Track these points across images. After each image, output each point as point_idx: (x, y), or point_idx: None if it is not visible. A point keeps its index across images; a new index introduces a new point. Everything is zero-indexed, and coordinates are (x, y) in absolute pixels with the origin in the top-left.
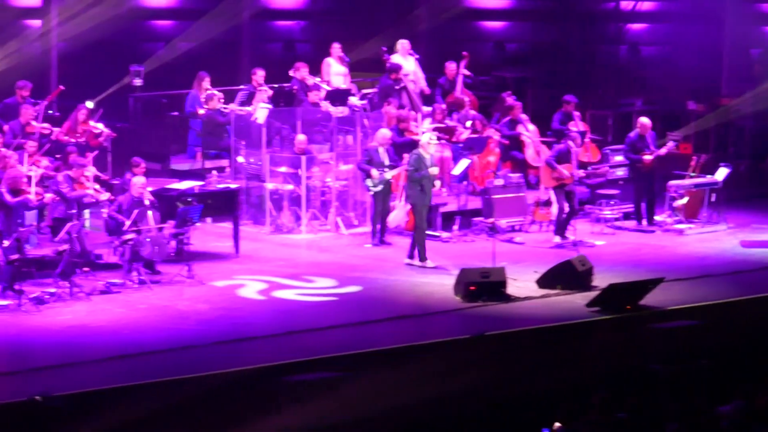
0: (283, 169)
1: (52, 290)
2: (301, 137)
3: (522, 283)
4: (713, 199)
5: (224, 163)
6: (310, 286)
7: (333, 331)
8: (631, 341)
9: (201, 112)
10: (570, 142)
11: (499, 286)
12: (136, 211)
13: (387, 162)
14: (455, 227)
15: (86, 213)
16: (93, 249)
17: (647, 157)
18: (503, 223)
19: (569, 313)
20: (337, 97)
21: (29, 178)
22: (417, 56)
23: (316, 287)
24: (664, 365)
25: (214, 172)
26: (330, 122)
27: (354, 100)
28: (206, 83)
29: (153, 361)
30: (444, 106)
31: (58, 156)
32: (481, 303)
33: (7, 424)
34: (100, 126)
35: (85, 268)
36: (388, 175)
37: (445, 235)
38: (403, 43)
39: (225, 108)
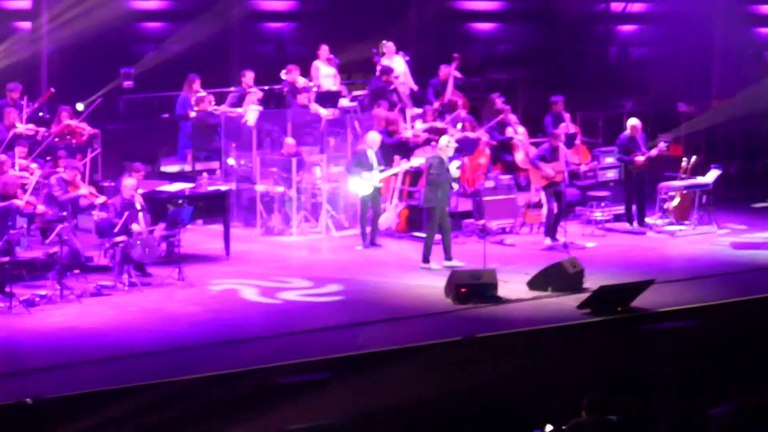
0: (273, 170)
1: (43, 292)
2: (290, 141)
3: (513, 285)
4: (704, 200)
5: (215, 165)
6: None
7: (324, 333)
8: (622, 343)
9: (192, 114)
10: (558, 144)
11: (489, 288)
12: (126, 213)
13: (376, 165)
14: None
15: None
16: (83, 251)
17: (638, 159)
18: (494, 224)
19: (560, 315)
20: (327, 99)
21: (24, 185)
22: (407, 58)
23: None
24: (654, 367)
25: (205, 174)
26: (320, 124)
27: (344, 102)
28: (196, 85)
29: (144, 363)
30: (436, 106)
31: (48, 158)
32: (471, 305)
33: None
34: (84, 125)
35: (76, 271)
36: (378, 177)
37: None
38: (388, 45)
39: (215, 110)
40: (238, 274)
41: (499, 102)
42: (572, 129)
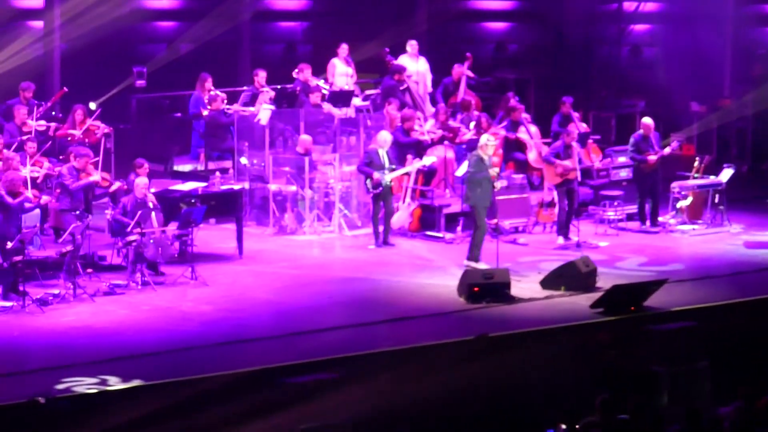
0: (286, 170)
1: (56, 291)
2: (305, 137)
3: (526, 285)
4: (717, 200)
5: (227, 164)
6: None
7: (335, 333)
8: (634, 342)
9: (205, 113)
10: (571, 142)
11: (502, 287)
12: (139, 213)
13: (388, 164)
14: (459, 228)
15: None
16: (96, 250)
17: (651, 158)
18: (507, 224)
19: (573, 315)
20: (340, 98)
21: (25, 180)
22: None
23: None
24: (666, 366)
25: (218, 174)
26: (332, 123)
27: (357, 101)
28: (209, 84)
29: (156, 362)
30: (443, 105)
31: (61, 157)
32: (484, 304)
33: (9, 425)
34: (98, 123)
35: (89, 270)
36: (389, 177)
37: (448, 236)
38: (412, 44)
39: (228, 109)
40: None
41: (513, 101)
42: (582, 128)
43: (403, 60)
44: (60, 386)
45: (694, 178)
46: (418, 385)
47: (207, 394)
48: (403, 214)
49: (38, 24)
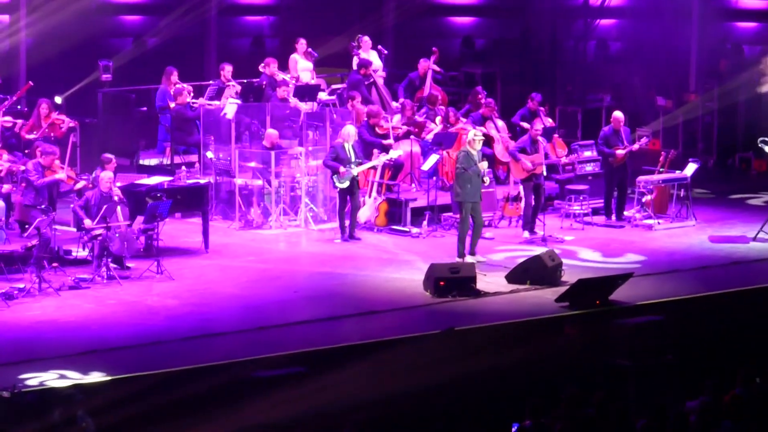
0: (252, 164)
1: (21, 285)
2: (272, 131)
3: (491, 278)
4: (682, 194)
5: (193, 158)
6: None
7: (302, 327)
8: (600, 336)
9: (172, 105)
10: (537, 137)
11: (468, 281)
12: (105, 207)
13: (354, 158)
14: (425, 223)
15: None
16: (62, 245)
17: (620, 152)
18: None
19: (538, 309)
20: (306, 92)
21: None
22: (385, 52)
23: None
24: (631, 361)
25: (184, 168)
26: (299, 118)
27: (323, 96)
28: (174, 78)
29: (122, 357)
30: (409, 101)
31: (27, 151)
32: (450, 298)
33: None
34: (63, 117)
35: (55, 264)
36: (355, 171)
37: (414, 230)
38: (365, 39)
39: (194, 103)
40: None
41: (483, 98)
42: (548, 123)
43: (361, 55)
44: (25, 380)
45: (659, 172)
46: (385, 379)
47: (173, 388)
48: (369, 208)
49: (4, 18)
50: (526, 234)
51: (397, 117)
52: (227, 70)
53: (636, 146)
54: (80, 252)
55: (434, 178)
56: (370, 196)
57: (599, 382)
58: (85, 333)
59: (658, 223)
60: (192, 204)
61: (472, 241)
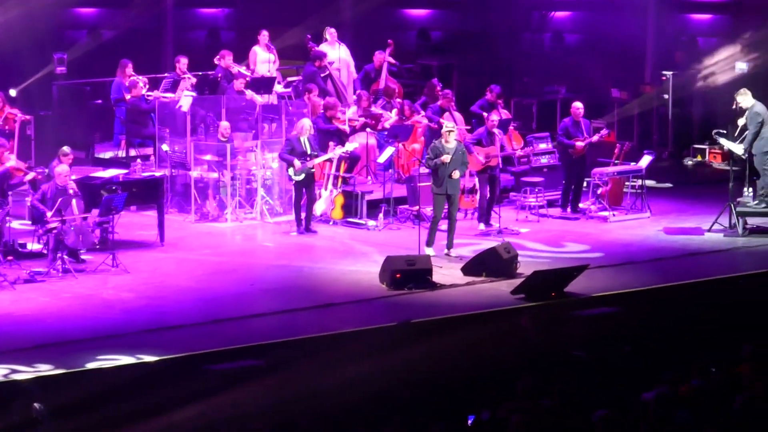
0: (207, 157)
1: None
2: (224, 124)
3: (447, 271)
4: (637, 186)
5: (149, 151)
6: None
7: (259, 320)
8: (555, 328)
9: (128, 97)
10: (494, 129)
11: (424, 273)
12: (60, 200)
13: (309, 151)
14: (381, 215)
15: None
16: (16, 238)
17: (579, 144)
18: (428, 210)
19: (494, 301)
20: (262, 85)
21: None
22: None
23: None
24: (588, 352)
25: (139, 161)
26: (254, 110)
27: (278, 88)
28: (129, 69)
29: (77, 350)
30: (365, 92)
31: None
32: (406, 291)
33: None
34: (16, 111)
35: (10, 257)
36: (311, 164)
37: (371, 223)
38: (331, 32)
39: (149, 95)
40: (173, 260)
41: (439, 88)
42: (504, 115)
43: (323, 48)
44: None
45: (615, 164)
46: (342, 371)
47: (129, 381)
48: (325, 201)
49: None
50: (482, 226)
51: (353, 109)
52: (182, 62)
53: (596, 137)
54: (34, 245)
55: (390, 170)
56: (326, 189)
57: (556, 374)
58: (40, 326)
59: (613, 215)
60: (147, 197)
61: (448, 235)
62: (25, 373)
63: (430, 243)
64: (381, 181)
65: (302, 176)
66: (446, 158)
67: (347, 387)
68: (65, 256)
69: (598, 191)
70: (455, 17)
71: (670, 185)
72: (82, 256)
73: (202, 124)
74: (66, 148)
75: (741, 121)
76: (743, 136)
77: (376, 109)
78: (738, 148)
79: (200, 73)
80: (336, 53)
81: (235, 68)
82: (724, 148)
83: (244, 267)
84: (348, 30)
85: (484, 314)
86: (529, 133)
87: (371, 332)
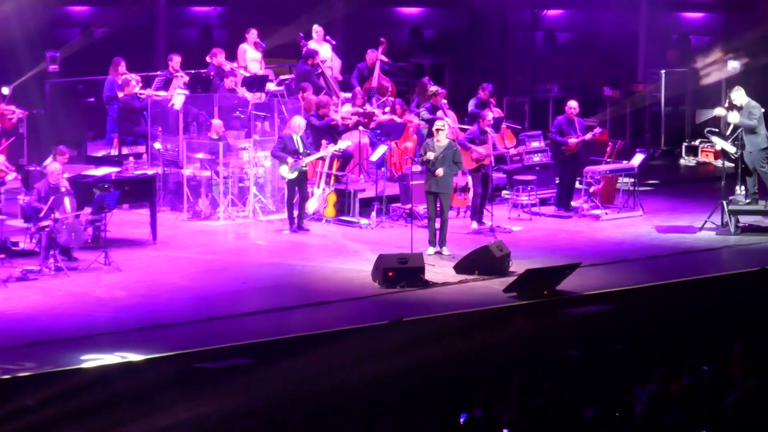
0: (200, 155)
1: None
2: (217, 122)
3: (440, 269)
4: (629, 184)
5: (141, 149)
6: None
7: (250, 318)
8: (548, 326)
9: (120, 95)
10: (486, 127)
11: (417, 271)
12: (52, 198)
13: (302, 149)
14: (373, 213)
15: None
16: (9, 236)
17: (572, 141)
18: (421, 209)
19: (487, 299)
20: (254, 83)
21: None
22: (333, 42)
23: None
24: (580, 350)
25: (131, 159)
26: (247, 108)
27: (271, 86)
28: (122, 68)
29: (69, 348)
30: (360, 90)
31: None
32: (399, 289)
33: None
34: (13, 108)
35: (1, 255)
36: (303, 162)
37: (363, 221)
38: (317, 29)
39: (141, 94)
40: (165, 258)
41: (430, 85)
42: (496, 113)
43: (311, 45)
44: None
45: (607, 162)
46: (334, 369)
47: (121, 379)
48: (318, 199)
49: None
50: (475, 224)
51: (347, 106)
52: (175, 60)
53: (589, 136)
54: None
55: (383, 168)
56: (318, 187)
57: (548, 372)
58: (33, 324)
59: (606, 213)
60: (140, 195)
61: (440, 234)
62: (16, 371)
63: (430, 242)
64: (373, 179)
65: (295, 174)
66: (430, 155)
67: (339, 385)
68: (58, 255)
69: (591, 189)
70: (447, 15)
71: (656, 182)
72: (75, 255)
73: (194, 123)
74: (63, 147)
75: (732, 119)
76: (735, 134)
77: (368, 108)
78: (730, 147)
79: (193, 72)
80: (323, 51)
81: (228, 66)
82: (716, 146)
83: (236, 265)
84: (340, 28)
85: (476, 312)
86: (521, 131)
87: (364, 330)
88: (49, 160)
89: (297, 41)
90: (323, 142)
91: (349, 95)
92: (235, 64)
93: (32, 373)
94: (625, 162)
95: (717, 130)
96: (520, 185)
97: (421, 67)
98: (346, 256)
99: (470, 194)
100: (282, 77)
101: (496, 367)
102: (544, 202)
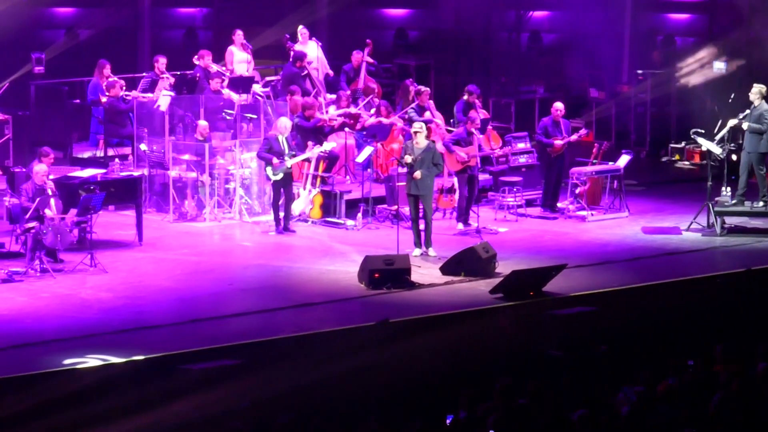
0: (186, 156)
1: None
2: (203, 123)
3: (426, 270)
4: (615, 186)
5: (127, 150)
6: None
7: (236, 319)
8: (533, 327)
9: (103, 99)
10: (472, 129)
11: (403, 273)
12: (38, 199)
13: (287, 150)
14: (359, 215)
15: None
16: None
17: (558, 142)
18: (407, 210)
19: (473, 300)
20: (240, 84)
21: None
22: (320, 43)
23: None
24: (565, 351)
25: (117, 160)
26: (233, 110)
27: (257, 88)
28: (107, 71)
29: (55, 350)
30: (349, 92)
31: None
32: (385, 290)
33: None
34: None
35: None
36: (289, 163)
37: (349, 223)
38: (302, 31)
39: (127, 95)
40: (151, 260)
41: (413, 87)
42: (482, 115)
43: (297, 47)
44: None
45: (593, 164)
46: (320, 371)
47: (107, 381)
48: (303, 200)
49: None
50: (461, 226)
51: (332, 108)
52: (161, 62)
53: (575, 137)
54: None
55: (369, 170)
56: (305, 189)
57: (533, 373)
58: (18, 326)
59: (591, 214)
60: (125, 196)
61: (425, 235)
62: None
63: (416, 244)
64: (359, 180)
65: (280, 175)
66: (408, 158)
67: (325, 386)
68: (43, 256)
69: (577, 191)
70: (432, 17)
71: (641, 183)
72: (60, 256)
73: (180, 124)
74: (46, 148)
75: (732, 122)
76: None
77: (354, 110)
78: (716, 148)
79: (178, 73)
80: (309, 52)
81: (214, 68)
82: (702, 147)
83: (222, 267)
84: (324, 29)
85: (462, 314)
86: (507, 132)
87: (349, 332)
88: (34, 162)
89: (283, 43)
90: (309, 143)
91: (334, 97)
92: (222, 67)
93: (17, 375)
94: (611, 163)
95: (702, 131)
96: (506, 186)
97: (406, 68)
98: (333, 257)
99: (456, 196)
100: (268, 78)
101: (482, 369)
102: (530, 203)
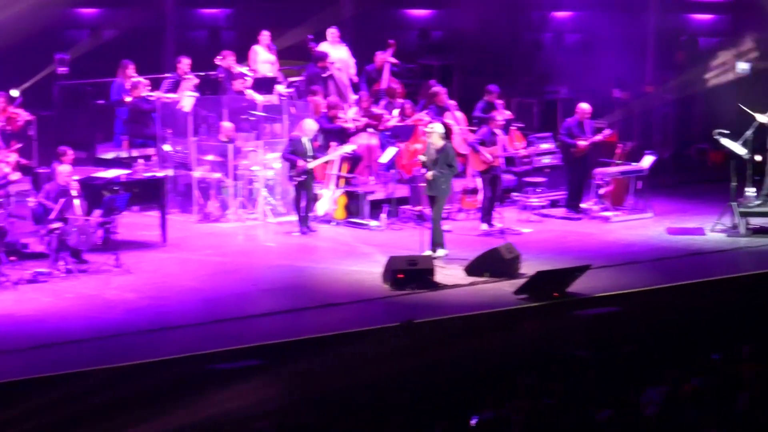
0: (210, 157)
1: None
2: (227, 124)
3: (450, 271)
4: (639, 186)
5: (150, 151)
6: None
7: (260, 320)
8: (558, 328)
9: (127, 99)
10: (496, 129)
11: (426, 273)
12: (62, 200)
13: (311, 152)
14: (383, 215)
15: None
16: (20, 238)
17: (582, 143)
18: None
19: (497, 301)
20: (264, 85)
21: None
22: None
23: None
24: (590, 351)
25: (141, 161)
26: (255, 110)
27: (280, 89)
28: (130, 71)
29: (80, 350)
30: (365, 93)
31: None
32: (409, 291)
33: None
34: (20, 111)
35: (12, 257)
36: (312, 164)
37: (373, 223)
38: (332, 32)
39: (150, 96)
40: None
41: (435, 87)
42: (505, 115)
43: (324, 48)
44: None
45: (616, 164)
46: (344, 371)
47: (132, 381)
48: (327, 201)
49: None
50: (484, 226)
51: (354, 109)
52: (184, 62)
53: (598, 137)
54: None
55: (392, 170)
56: (328, 189)
57: (559, 374)
58: (43, 326)
59: (616, 215)
60: (149, 197)
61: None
62: (26, 373)
63: (433, 246)
64: (383, 181)
65: (304, 177)
66: (421, 158)
67: (350, 387)
68: (68, 257)
69: (600, 191)
70: (456, 17)
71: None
72: (85, 257)
73: (203, 125)
74: (63, 147)
75: (762, 118)
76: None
77: (377, 110)
78: (740, 149)
79: (202, 74)
80: (337, 53)
81: (237, 68)
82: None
83: (246, 267)
84: (348, 30)
85: (486, 314)
86: (530, 133)
87: (373, 332)
88: (56, 163)
89: (306, 43)
90: (332, 144)
91: (355, 98)
92: (245, 68)
93: (40, 375)
94: (634, 164)
95: (726, 131)
96: (530, 187)
97: (429, 68)
98: (356, 258)
99: (480, 196)
100: (291, 79)
101: (507, 369)
102: (554, 203)
